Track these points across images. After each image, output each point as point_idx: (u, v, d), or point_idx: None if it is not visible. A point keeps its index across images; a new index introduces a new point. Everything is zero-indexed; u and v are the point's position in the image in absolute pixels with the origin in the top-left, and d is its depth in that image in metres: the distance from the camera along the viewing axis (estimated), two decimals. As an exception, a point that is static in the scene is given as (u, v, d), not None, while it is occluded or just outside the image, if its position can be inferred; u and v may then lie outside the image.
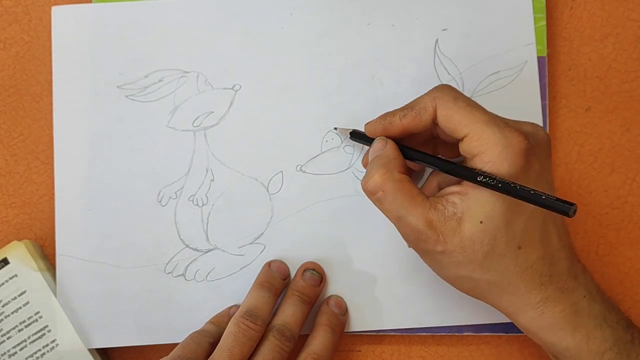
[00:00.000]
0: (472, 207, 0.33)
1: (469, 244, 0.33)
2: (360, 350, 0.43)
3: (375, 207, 0.35)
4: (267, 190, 0.42)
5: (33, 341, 0.40)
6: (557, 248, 0.34)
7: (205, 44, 0.43)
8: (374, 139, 0.37)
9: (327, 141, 0.42)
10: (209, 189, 0.42)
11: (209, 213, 0.42)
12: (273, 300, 0.39)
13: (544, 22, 0.43)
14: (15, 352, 0.40)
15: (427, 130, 0.36)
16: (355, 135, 0.40)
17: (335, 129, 0.42)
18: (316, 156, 0.42)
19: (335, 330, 0.40)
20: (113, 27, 0.43)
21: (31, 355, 0.40)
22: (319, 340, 0.39)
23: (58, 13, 0.43)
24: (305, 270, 0.41)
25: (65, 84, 0.43)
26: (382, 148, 0.36)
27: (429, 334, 0.42)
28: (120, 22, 0.43)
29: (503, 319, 0.41)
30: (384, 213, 0.35)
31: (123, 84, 0.43)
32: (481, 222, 0.33)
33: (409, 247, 0.36)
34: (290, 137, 0.42)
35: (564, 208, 0.31)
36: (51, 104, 0.43)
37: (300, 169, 0.42)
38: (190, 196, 0.42)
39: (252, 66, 0.43)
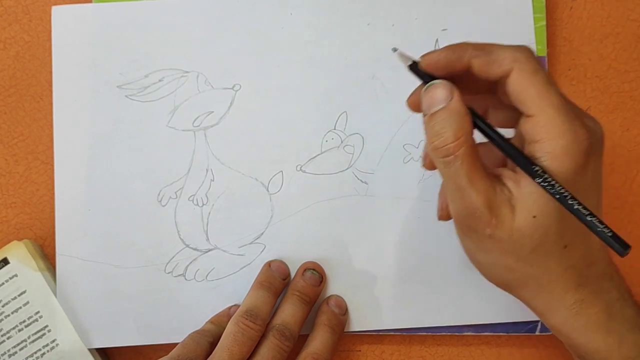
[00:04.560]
0: (526, 199, 0.30)
1: (518, 236, 0.30)
2: (360, 350, 0.43)
3: (437, 167, 0.32)
4: (267, 190, 0.42)
5: (33, 341, 0.40)
6: (597, 248, 0.32)
7: (205, 44, 0.43)
8: (430, 78, 0.32)
9: (327, 141, 0.42)
10: (209, 189, 0.42)
11: (209, 213, 0.42)
12: (273, 300, 0.39)
13: (544, 22, 0.43)
14: (15, 352, 0.40)
15: (487, 82, 0.32)
16: (414, 69, 0.33)
17: (395, 50, 0.35)
18: (316, 156, 0.42)
19: (335, 330, 0.40)
20: (113, 27, 0.43)
21: (31, 355, 0.40)
22: (318, 340, 0.39)
23: (58, 13, 0.43)
24: (305, 270, 0.41)
25: (65, 84, 0.43)
26: (449, 99, 0.31)
27: (429, 334, 0.42)
28: (120, 22, 0.43)
29: (503, 319, 0.41)
30: (442, 176, 0.32)
31: (123, 84, 0.43)
32: (534, 217, 0.30)
33: (444, 219, 0.34)
34: (290, 137, 0.42)
35: (617, 248, 0.29)
36: (51, 104, 0.43)
37: (300, 169, 0.42)
38: (190, 196, 0.42)
39: (252, 66, 0.43)
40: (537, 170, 0.30)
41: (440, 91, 0.31)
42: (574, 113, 0.30)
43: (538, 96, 0.30)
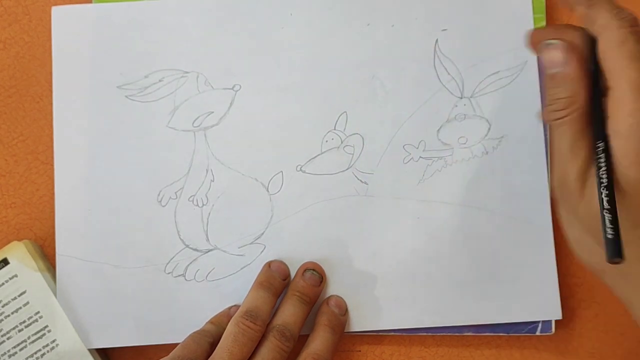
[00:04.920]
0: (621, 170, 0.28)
1: (595, 220, 0.29)
2: (360, 350, 0.43)
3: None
4: (267, 190, 0.42)
5: (33, 341, 0.40)
6: None
7: (205, 44, 0.43)
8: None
9: (327, 141, 0.42)
10: (209, 189, 0.42)
11: (209, 213, 0.42)
12: (273, 301, 0.39)
13: (544, 22, 0.43)
14: (15, 353, 0.40)
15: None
16: None
17: None
18: (316, 156, 0.42)
19: (336, 330, 0.40)
20: (113, 27, 0.43)
21: (31, 356, 0.40)
22: (319, 341, 0.39)
23: (58, 13, 0.43)
24: (305, 271, 0.41)
25: (65, 84, 0.43)
26: (564, 63, 0.30)
27: (429, 334, 0.42)
28: (120, 22, 0.43)
29: (503, 319, 0.41)
30: (551, 137, 0.31)
31: (123, 84, 0.43)
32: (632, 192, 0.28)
33: (552, 185, 0.32)
34: (290, 137, 0.42)
35: (608, 252, 0.28)
36: (51, 104, 0.43)
37: (300, 169, 0.42)
38: (190, 196, 0.42)
39: (252, 66, 0.43)
40: (598, 148, 0.29)
41: (556, 54, 0.30)
42: None
43: (617, 69, 0.28)
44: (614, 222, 0.28)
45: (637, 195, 0.28)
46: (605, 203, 0.28)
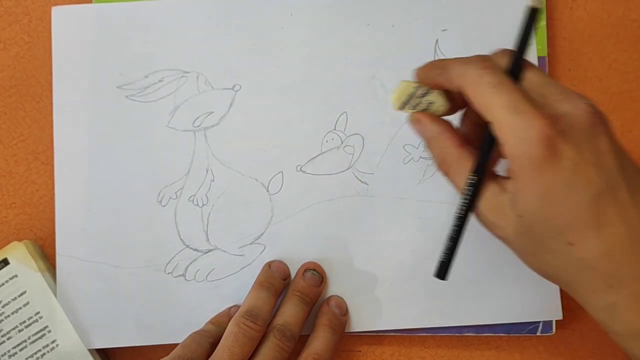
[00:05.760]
0: (513, 197, 0.30)
1: (515, 237, 0.31)
2: (360, 351, 0.43)
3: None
4: (267, 191, 0.42)
5: (33, 341, 0.40)
6: (629, 242, 0.29)
7: (205, 44, 0.43)
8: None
9: (327, 141, 0.42)
10: (209, 189, 0.42)
11: (209, 213, 0.42)
12: (273, 301, 0.39)
13: (544, 22, 0.43)
14: (16, 353, 0.40)
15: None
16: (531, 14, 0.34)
17: None
18: (316, 156, 0.42)
19: (336, 331, 0.39)
20: (113, 28, 0.43)
21: (31, 356, 0.40)
22: (319, 341, 0.39)
23: (58, 13, 0.43)
24: (305, 271, 0.41)
25: (65, 84, 0.43)
26: (423, 132, 0.34)
27: (429, 334, 0.42)
28: (120, 23, 0.43)
29: (504, 319, 0.41)
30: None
31: (123, 84, 0.43)
32: (517, 216, 0.30)
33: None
34: (290, 137, 0.42)
35: (435, 271, 0.33)
36: (51, 104, 0.43)
37: (300, 169, 0.42)
38: (191, 196, 0.42)
39: (252, 66, 0.43)
40: (468, 181, 0.32)
41: (416, 128, 0.35)
42: (527, 105, 0.29)
43: (486, 103, 0.30)
44: (451, 250, 0.33)
45: (550, 205, 0.29)
46: (452, 232, 0.33)
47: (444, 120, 0.34)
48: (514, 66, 0.32)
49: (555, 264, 0.30)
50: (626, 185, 0.29)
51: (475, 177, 0.32)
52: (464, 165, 0.32)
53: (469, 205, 0.32)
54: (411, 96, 0.36)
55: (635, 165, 0.31)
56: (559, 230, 0.29)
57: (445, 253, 0.33)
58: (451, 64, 0.32)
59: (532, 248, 0.31)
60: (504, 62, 0.32)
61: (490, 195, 0.31)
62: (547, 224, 0.29)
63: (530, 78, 0.31)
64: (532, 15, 0.32)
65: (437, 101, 0.35)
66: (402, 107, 0.36)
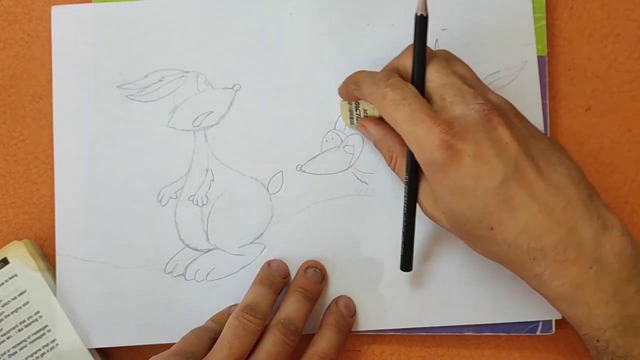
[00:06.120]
0: (434, 193, 0.35)
1: (453, 229, 0.35)
2: (360, 350, 0.43)
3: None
4: (267, 190, 0.42)
5: (33, 341, 0.40)
6: (543, 217, 0.31)
7: (205, 44, 0.43)
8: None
9: (327, 141, 0.42)
10: (209, 188, 0.42)
11: (209, 213, 0.42)
12: (273, 297, 0.39)
13: (544, 22, 0.43)
14: (15, 352, 0.40)
15: None
16: (420, 22, 0.37)
17: None
18: (316, 156, 0.42)
19: (342, 331, 0.39)
20: (113, 27, 0.43)
21: (31, 355, 0.40)
22: (325, 340, 0.39)
23: (58, 13, 0.43)
24: (307, 268, 0.41)
25: (65, 84, 0.43)
26: (369, 135, 0.40)
27: (429, 334, 0.42)
28: (120, 22, 0.43)
29: (504, 319, 0.41)
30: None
31: (123, 84, 0.43)
32: (443, 212, 0.34)
33: None
34: (290, 137, 0.42)
35: (401, 264, 0.38)
36: (51, 104, 0.43)
37: (300, 169, 0.42)
38: (190, 196, 0.42)
39: (252, 66, 0.43)
40: (406, 180, 0.36)
41: (364, 133, 0.41)
42: (427, 116, 0.33)
43: (392, 118, 0.34)
44: (407, 243, 0.38)
45: (459, 197, 0.32)
46: (403, 227, 0.37)
47: (385, 122, 0.37)
48: (417, 72, 0.35)
49: (487, 247, 0.34)
50: (533, 165, 0.32)
51: (407, 177, 0.36)
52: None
53: (410, 202, 0.36)
54: (351, 111, 0.41)
55: (545, 139, 0.34)
56: (477, 219, 0.32)
57: (403, 247, 0.38)
58: (362, 81, 0.37)
59: (466, 237, 0.34)
60: (409, 62, 0.35)
61: (428, 191, 0.35)
62: (466, 216, 0.33)
63: (432, 80, 0.34)
64: (421, 23, 0.35)
65: (369, 107, 0.39)
66: (351, 122, 0.41)
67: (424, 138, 0.32)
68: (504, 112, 0.34)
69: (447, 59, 0.36)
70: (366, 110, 0.40)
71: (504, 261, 0.34)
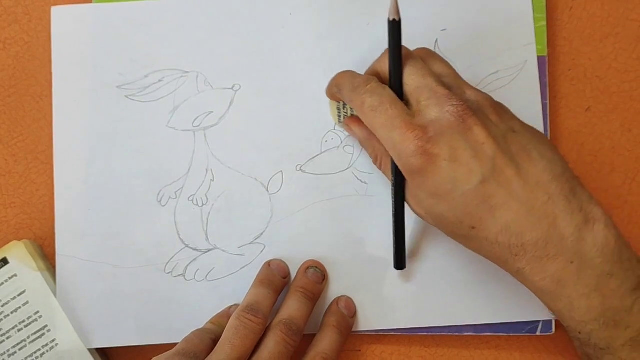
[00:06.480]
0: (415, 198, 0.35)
1: (439, 228, 0.35)
2: (360, 350, 0.43)
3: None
4: (267, 190, 0.42)
5: (32, 341, 0.40)
6: (523, 214, 0.32)
7: (205, 44, 0.43)
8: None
9: (327, 141, 0.42)
10: (209, 189, 0.42)
11: (209, 213, 0.42)
12: (274, 297, 0.39)
13: (544, 22, 0.43)
14: (15, 352, 0.40)
15: None
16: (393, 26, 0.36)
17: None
18: (316, 156, 0.42)
19: (343, 332, 0.39)
20: (113, 27, 0.43)
21: (31, 355, 0.40)
22: (327, 341, 0.39)
23: (58, 13, 0.43)
24: (308, 268, 0.41)
25: (65, 84, 0.43)
26: (355, 135, 0.41)
27: (429, 334, 0.42)
28: (120, 22, 0.43)
29: (504, 319, 0.41)
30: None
31: (123, 84, 0.43)
32: (425, 213, 0.35)
33: None
34: (290, 137, 0.42)
35: (394, 263, 0.39)
36: (51, 104, 0.43)
37: (300, 169, 0.42)
38: (190, 196, 0.42)
39: (252, 66, 0.43)
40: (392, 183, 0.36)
41: (349, 133, 0.41)
42: (402, 121, 0.33)
43: (370, 124, 0.34)
44: (398, 243, 0.39)
45: (439, 200, 0.33)
46: (394, 227, 0.38)
47: None
48: (394, 77, 0.35)
49: (472, 245, 0.34)
50: (511, 163, 0.32)
51: (393, 179, 0.36)
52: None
53: (397, 202, 0.37)
54: (339, 109, 0.41)
55: (527, 132, 0.34)
56: (458, 220, 0.33)
57: (395, 246, 0.38)
58: (343, 85, 0.37)
59: (451, 235, 0.35)
60: (387, 66, 0.35)
61: (413, 192, 0.35)
62: (447, 217, 0.33)
63: (408, 83, 0.34)
64: (394, 27, 0.35)
65: None
66: (339, 120, 0.41)
67: (399, 144, 0.33)
68: (481, 109, 0.34)
69: (425, 57, 0.36)
70: (353, 109, 0.40)
71: (489, 257, 0.34)
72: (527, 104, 0.42)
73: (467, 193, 0.32)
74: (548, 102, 0.43)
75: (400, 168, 0.34)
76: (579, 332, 0.33)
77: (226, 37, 0.43)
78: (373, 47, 0.43)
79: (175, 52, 0.43)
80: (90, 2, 0.43)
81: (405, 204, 0.37)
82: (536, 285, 0.33)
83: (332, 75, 0.42)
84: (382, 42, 0.42)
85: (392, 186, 0.36)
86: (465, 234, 0.33)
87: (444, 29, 0.43)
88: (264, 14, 0.43)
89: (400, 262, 0.39)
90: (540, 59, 0.43)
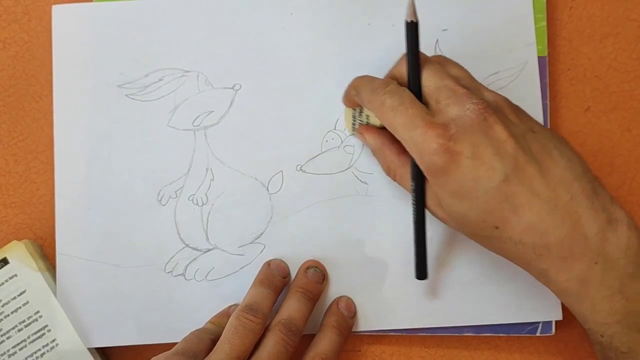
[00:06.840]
0: (438, 200, 0.35)
1: (460, 230, 0.35)
2: (360, 350, 0.43)
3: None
4: (267, 190, 0.42)
5: (33, 341, 0.40)
6: (546, 213, 0.31)
7: (206, 44, 0.43)
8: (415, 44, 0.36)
9: (327, 141, 0.42)
10: (209, 188, 0.42)
11: (209, 212, 0.42)
12: (273, 297, 0.39)
13: (545, 22, 0.43)
14: (15, 352, 0.40)
15: None
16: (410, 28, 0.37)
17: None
18: (316, 156, 0.42)
19: (342, 333, 0.39)
20: (113, 27, 0.43)
21: (31, 355, 0.40)
22: (326, 342, 0.39)
23: (58, 12, 0.43)
24: (308, 268, 0.41)
25: (65, 84, 0.43)
26: (369, 144, 0.40)
27: (429, 334, 0.42)
28: (120, 22, 0.43)
29: (504, 319, 0.41)
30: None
31: (123, 84, 0.43)
32: (447, 214, 0.34)
33: None
34: (290, 137, 0.42)
35: (416, 273, 0.38)
36: (51, 104, 0.43)
37: (300, 169, 0.42)
38: (190, 196, 0.42)
39: (253, 66, 0.43)
40: (412, 187, 0.36)
41: (362, 141, 0.41)
42: (423, 120, 0.33)
43: (391, 125, 0.34)
44: (420, 252, 0.37)
45: (461, 200, 0.33)
46: (415, 235, 0.37)
47: (384, 131, 0.37)
48: (412, 78, 0.35)
49: (494, 246, 0.34)
50: (533, 161, 0.32)
51: (413, 184, 0.36)
52: (407, 170, 0.36)
53: (419, 210, 0.36)
54: (354, 117, 0.41)
55: (546, 132, 0.34)
56: (481, 219, 0.32)
57: (416, 255, 0.37)
58: (361, 87, 0.37)
59: (473, 236, 0.34)
60: (405, 69, 0.35)
61: (432, 194, 0.35)
62: (469, 217, 0.33)
63: (427, 84, 0.34)
64: (411, 29, 0.35)
65: (371, 114, 0.39)
66: (353, 128, 0.41)
67: (421, 143, 0.32)
68: (500, 109, 0.34)
69: (441, 62, 0.36)
70: (369, 116, 0.40)
71: (511, 258, 0.34)
72: (527, 104, 0.42)
73: (489, 191, 0.32)
74: (548, 102, 0.43)
75: (422, 167, 0.34)
76: (601, 335, 0.32)
77: (227, 37, 0.43)
78: (373, 47, 0.43)
79: (176, 52, 0.43)
80: (91, 1, 0.43)
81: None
82: (560, 287, 0.32)
83: (333, 75, 0.42)
84: (382, 43, 0.43)
85: (413, 192, 0.36)
86: (488, 235, 0.33)
87: (444, 29, 0.43)
88: (264, 14, 0.43)
89: (421, 271, 0.38)
90: (540, 59, 0.43)
